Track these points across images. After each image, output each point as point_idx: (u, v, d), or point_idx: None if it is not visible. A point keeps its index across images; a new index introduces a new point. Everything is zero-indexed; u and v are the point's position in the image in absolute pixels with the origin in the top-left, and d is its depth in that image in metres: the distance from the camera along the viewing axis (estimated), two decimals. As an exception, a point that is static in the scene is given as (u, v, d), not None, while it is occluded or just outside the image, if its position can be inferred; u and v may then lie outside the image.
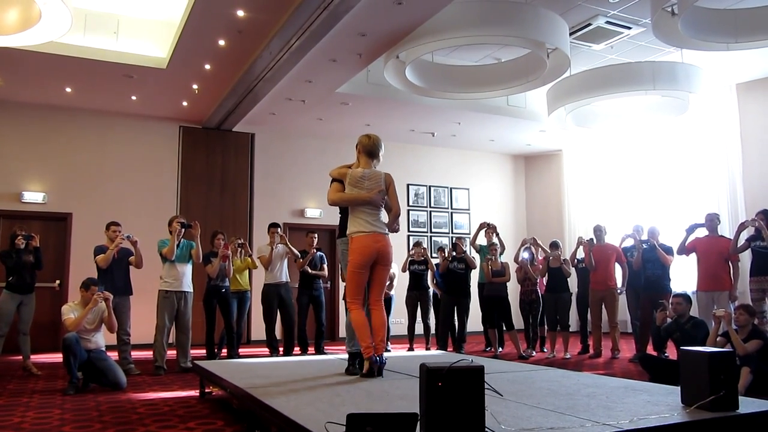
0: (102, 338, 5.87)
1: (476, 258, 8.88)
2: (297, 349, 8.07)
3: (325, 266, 8.44)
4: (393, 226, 4.54)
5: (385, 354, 4.48)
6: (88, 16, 7.66)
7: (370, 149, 4.54)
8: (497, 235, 8.59)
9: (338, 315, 10.70)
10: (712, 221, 7.20)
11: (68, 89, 8.87)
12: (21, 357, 6.86)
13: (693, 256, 7.26)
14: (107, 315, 5.82)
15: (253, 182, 10.86)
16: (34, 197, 9.40)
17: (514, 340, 8.22)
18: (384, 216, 4.51)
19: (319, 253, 8.35)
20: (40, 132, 9.55)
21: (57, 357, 8.00)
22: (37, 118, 9.54)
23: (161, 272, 6.96)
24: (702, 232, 7.25)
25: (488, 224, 8.72)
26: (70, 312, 5.70)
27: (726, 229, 9.08)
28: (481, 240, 8.79)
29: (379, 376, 4.22)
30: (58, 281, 9.30)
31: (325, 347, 8.25)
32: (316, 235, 8.42)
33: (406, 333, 8.99)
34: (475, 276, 8.84)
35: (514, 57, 8.49)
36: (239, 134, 10.75)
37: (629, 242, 8.01)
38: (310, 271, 8.16)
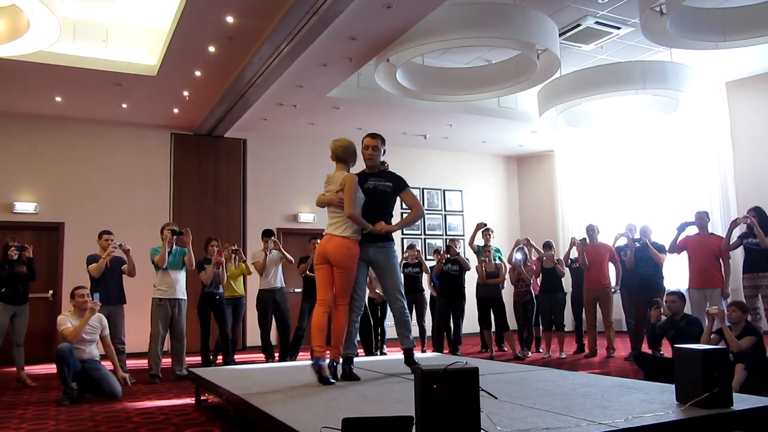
0: (96, 349, 5.85)
1: (474, 259, 8.88)
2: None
3: None
4: (363, 227, 4.41)
5: (381, 357, 4.48)
6: (77, 24, 7.63)
7: (336, 154, 4.51)
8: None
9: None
10: (702, 219, 7.23)
11: (58, 98, 8.83)
12: (15, 369, 6.82)
13: (684, 254, 7.29)
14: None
15: (245, 188, 10.84)
16: (25, 207, 9.35)
17: (509, 341, 8.24)
18: (342, 218, 4.36)
19: None
20: (30, 142, 9.51)
21: (51, 368, 7.94)
22: (28, 128, 9.50)
23: (154, 280, 6.94)
24: (693, 230, 7.28)
25: (485, 225, 8.73)
26: (66, 322, 5.67)
27: (718, 227, 9.13)
28: (479, 241, 8.78)
29: (328, 382, 4.16)
30: (51, 291, 9.25)
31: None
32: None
33: (401, 336, 8.96)
34: (469, 277, 8.84)
35: (505, 59, 8.51)
36: (231, 140, 10.74)
37: (622, 241, 8.04)
38: (309, 274, 8.15)
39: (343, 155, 4.47)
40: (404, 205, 5.03)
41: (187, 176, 10.41)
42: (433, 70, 8.60)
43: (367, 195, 4.45)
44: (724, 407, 2.94)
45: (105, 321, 5.91)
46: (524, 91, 9.07)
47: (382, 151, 4.63)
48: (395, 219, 4.77)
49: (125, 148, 10.08)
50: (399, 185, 4.61)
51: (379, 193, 4.52)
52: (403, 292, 4.68)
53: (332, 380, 4.21)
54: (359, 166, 4.66)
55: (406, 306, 4.69)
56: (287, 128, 10.57)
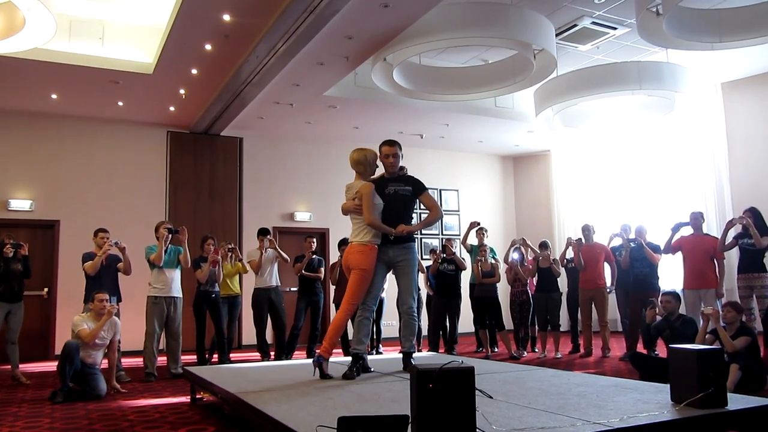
0: (100, 356, 5.84)
1: (467, 258, 8.88)
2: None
3: (322, 269, 8.40)
4: (387, 232, 4.55)
5: (377, 356, 4.51)
6: (73, 22, 7.62)
7: (351, 166, 4.71)
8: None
9: (329, 319, 10.66)
10: (697, 219, 7.25)
11: (54, 96, 8.81)
12: (9, 366, 6.80)
13: (679, 255, 7.31)
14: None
15: (242, 186, 10.83)
16: (21, 205, 9.33)
17: (505, 341, 8.25)
18: (363, 226, 4.53)
19: (317, 257, 8.33)
20: (26, 139, 9.48)
21: (46, 366, 7.97)
22: (23, 126, 9.47)
23: (150, 278, 6.93)
24: (687, 231, 7.30)
25: (478, 223, 8.73)
26: (83, 323, 5.67)
27: (713, 227, 9.15)
28: (472, 240, 8.79)
29: (324, 378, 4.31)
30: (46, 289, 9.23)
31: (316, 350, 8.22)
32: (314, 240, 8.42)
33: (397, 335, 8.97)
34: (465, 277, 8.85)
35: (501, 58, 8.52)
36: (227, 139, 10.72)
37: (617, 241, 8.05)
38: (305, 273, 8.15)
39: (355, 167, 4.68)
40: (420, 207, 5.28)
41: (183, 174, 10.39)
42: (429, 70, 8.60)
43: (387, 200, 4.62)
44: (719, 407, 2.95)
45: (119, 326, 5.91)
46: (521, 91, 9.06)
47: (401, 156, 4.79)
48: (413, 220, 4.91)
49: (121, 146, 10.05)
50: (418, 189, 4.77)
51: (399, 197, 4.68)
52: (415, 295, 4.74)
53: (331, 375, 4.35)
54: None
55: (415, 309, 4.77)
56: (284, 127, 10.56)
